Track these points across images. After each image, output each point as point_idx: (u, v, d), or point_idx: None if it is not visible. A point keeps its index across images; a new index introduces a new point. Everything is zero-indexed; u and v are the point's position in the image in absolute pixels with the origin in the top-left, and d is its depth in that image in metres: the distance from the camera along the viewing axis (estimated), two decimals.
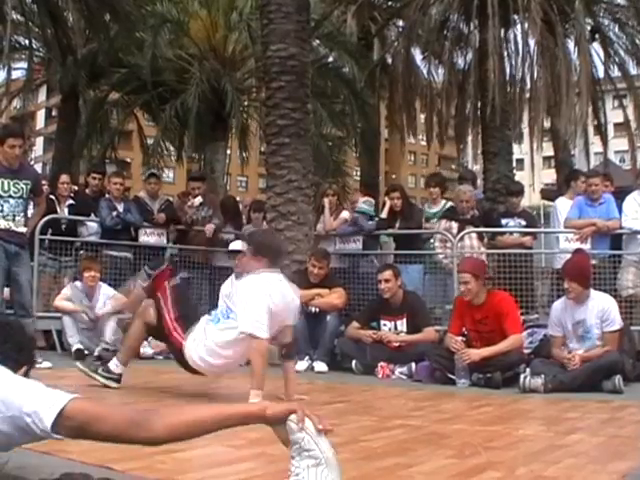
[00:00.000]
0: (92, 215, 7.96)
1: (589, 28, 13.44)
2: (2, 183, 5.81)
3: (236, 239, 7.57)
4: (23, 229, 6.00)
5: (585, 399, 4.62)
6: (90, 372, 4.53)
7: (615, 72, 14.39)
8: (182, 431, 1.73)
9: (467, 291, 5.51)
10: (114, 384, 4.44)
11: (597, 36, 13.79)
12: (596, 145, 16.00)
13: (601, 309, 5.28)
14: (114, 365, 4.52)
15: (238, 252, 7.19)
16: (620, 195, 7.36)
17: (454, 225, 7.52)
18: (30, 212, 6.32)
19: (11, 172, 5.87)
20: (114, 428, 1.70)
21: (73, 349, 6.60)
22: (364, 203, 8.32)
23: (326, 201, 7.96)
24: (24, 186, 5.93)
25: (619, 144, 24.75)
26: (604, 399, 4.65)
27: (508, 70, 12.91)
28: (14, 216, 5.86)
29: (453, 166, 41.42)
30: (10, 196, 5.85)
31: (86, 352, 6.66)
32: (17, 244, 5.93)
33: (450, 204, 8.01)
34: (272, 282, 4.18)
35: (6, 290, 6.09)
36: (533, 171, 14.21)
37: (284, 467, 1.84)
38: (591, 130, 14.91)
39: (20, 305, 5.97)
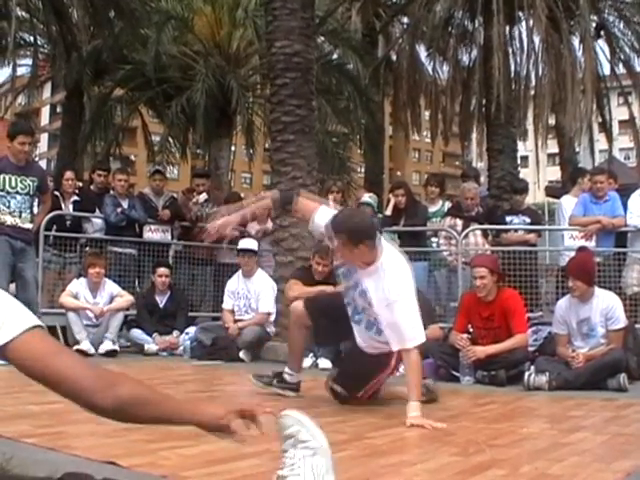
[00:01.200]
0: (97, 211, 7.98)
1: (594, 25, 13.41)
2: (10, 179, 5.85)
3: (241, 236, 7.57)
4: (29, 225, 6.03)
5: (589, 397, 4.60)
6: (265, 386, 4.34)
7: (620, 69, 14.36)
8: (137, 415, 1.57)
9: (483, 286, 5.39)
10: (291, 393, 4.28)
11: (602, 33, 13.75)
12: (601, 142, 15.98)
13: (606, 307, 5.25)
14: (288, 376, 4.35)
15: (248, 251, 7.23)
16: (625, 192, 7.34)
17: (459, 222, 7.52)
18: (35, 209, 6.35)
19: (18, 169, 5.90)
20: (73, 394, 1.52)
21: (82, 347, 6.36)
22: (369, 197, 8.32)
23: (331, 198, 7.95)
24: (31, 183, 5.96)
25: (624, 141, 24.68)
26: (608, 397, 4.63)
27: (513, 67, 12.89)
28: (20, 212, 5.89)
29: (457, 163, 41.37)
30: (17, 192, 5.88)
31: (92, 352, 6.56)
32: (23, 240, 5.95)
33: (448, 204, 7.99)
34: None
35: (11, 286, 6.10)
36: (538, 168, 14.20)
37: None
38: (596, 127, 14.87)
39: (25, 301, 5.96)
